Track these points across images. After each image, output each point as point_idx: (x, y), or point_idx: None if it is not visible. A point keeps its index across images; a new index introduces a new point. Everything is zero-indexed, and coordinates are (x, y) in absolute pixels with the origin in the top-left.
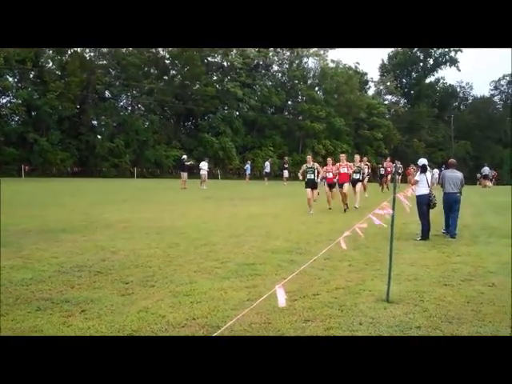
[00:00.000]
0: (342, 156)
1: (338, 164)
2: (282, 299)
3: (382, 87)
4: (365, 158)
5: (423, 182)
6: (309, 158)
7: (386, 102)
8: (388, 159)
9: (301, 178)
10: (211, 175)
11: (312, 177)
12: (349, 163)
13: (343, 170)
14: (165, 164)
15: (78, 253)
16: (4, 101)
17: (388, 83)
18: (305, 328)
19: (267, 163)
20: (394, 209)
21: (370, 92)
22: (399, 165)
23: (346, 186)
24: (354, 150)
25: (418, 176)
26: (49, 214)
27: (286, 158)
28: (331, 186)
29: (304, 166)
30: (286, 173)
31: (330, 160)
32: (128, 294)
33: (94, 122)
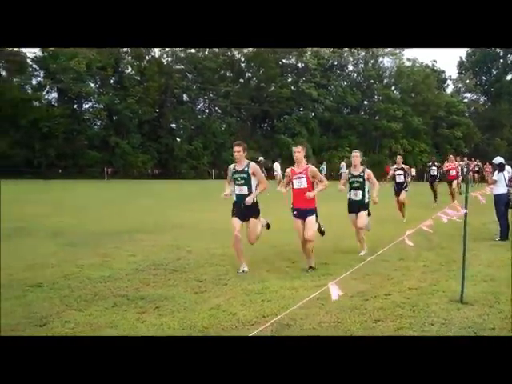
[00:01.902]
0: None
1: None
2: (334, 294)
3: (460, 85)
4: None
5: (501, 181)
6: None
7: (466, 100)
8: (451, 157)
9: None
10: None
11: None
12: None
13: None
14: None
15: (154, 252)
16: (87, 106)
17: (467, 81)
18: (375, 328)
19: (343, 164)
20: (466, 208)
21: (449, 90)
22: (475, 163)
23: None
24: (432, 150)
25: (496, 175)
26: (127, 214)
27: (363, 158)
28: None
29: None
30: None
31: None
32: (201, 292)
33: (173, 125)
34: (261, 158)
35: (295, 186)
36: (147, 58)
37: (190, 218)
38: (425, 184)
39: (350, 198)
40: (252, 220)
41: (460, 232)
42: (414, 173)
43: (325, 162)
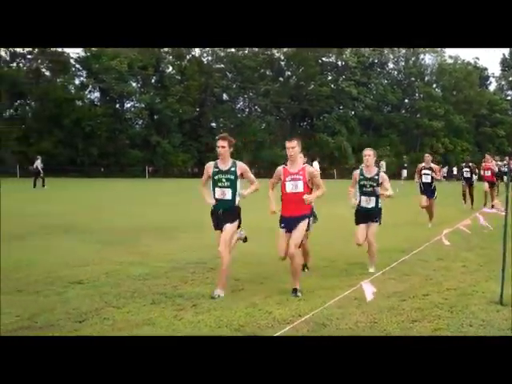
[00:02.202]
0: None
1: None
2: (369, 294)
3: (503, 82)
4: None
5: None
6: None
7: (509, 98)
8: (487, 157)
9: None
10: (327, 175)
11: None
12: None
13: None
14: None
15: (192, 250)
16: (128, 105)
17: (510, 78)
18: (412, 328)
19: (383, 163)
20: (507, 207)
21: (492, 88)
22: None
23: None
24: (474, 149)
25: None
26: (167, 212)
27: (405, 156)
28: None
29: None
30: (404, 172)
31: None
32: (238, 290)
33: (213, 124)
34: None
35: (287, 190)
36: (187, 57)
37: None
38: (458, 184)
39: (359, 205)
40: (227, 225)
41: (500, 232)
42: (445, 173)
43: None
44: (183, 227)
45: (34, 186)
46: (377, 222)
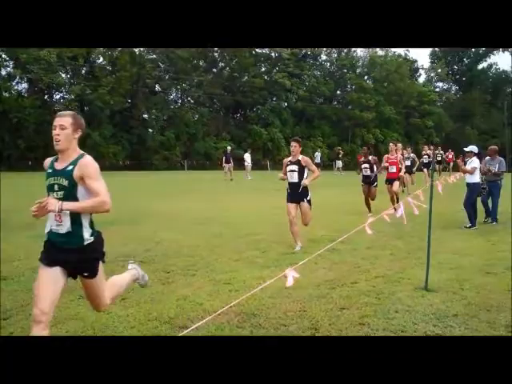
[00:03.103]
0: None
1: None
2: (290, 280)
3: (432, 74)
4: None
5: (477, 170)
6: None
7: (438, 90)
8: (391, 145)
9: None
10: (259, 166)
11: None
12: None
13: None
14: (214, 156)
15: (123, 243)
16: (58, 97)
17: (439, 70)
18: (340, 316)
19: (317, 153)
20: (431, 197)
21: (421, 79)
22: (440, 151)
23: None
24: (404, 139)
25: (475, 164)
26: None
27: (339, 147)
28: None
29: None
30: (339, 163)
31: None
32: (168, 283)
33: (145, 116)
34: (229, 148)
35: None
36: (119, 48)
37: (161, 208)
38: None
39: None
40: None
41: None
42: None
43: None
44: (115, 221)
45: None
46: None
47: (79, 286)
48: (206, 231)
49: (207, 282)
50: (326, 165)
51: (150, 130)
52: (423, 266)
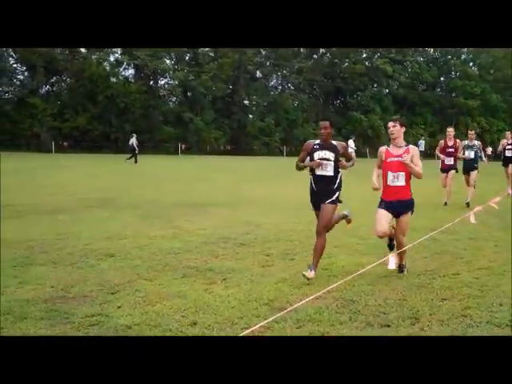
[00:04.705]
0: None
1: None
2: (391, 263)
3: None
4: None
5: None
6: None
7: None
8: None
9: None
10: (358, 154)
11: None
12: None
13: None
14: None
15: (224, 226)
16: (162, 82)
17: None
18: (441, 306)
19: (421, 141)
20: None
21: None
22: None
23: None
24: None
25: None
26: (200, 188)
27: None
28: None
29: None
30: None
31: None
32: (268, 266)
33: (246, 102)
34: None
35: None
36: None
37: (261, 193)
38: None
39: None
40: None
41: None
42: (489, 152)
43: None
44: (216, 203)
45: (136, 161)
46: None
47: (182, 265)
48: (305, 216)
49: (306, 266)
50: (428, 154)
51: (250, 115)
52: None
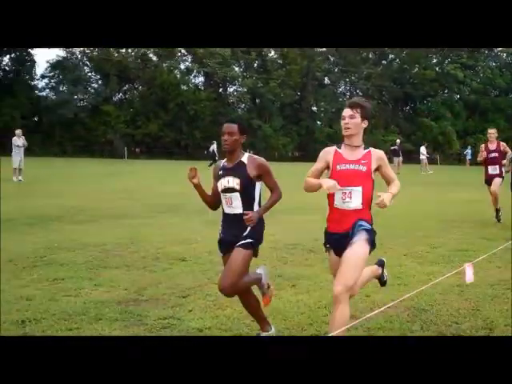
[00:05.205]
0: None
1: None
2: (469, 276)
3: None
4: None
5: None
6: (491, 133)
7: None
8: None
9: None
10: (430, 160)
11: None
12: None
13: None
14: (382, 148)
15: (292, 232)
16: (231, 89)
17: None
18: None
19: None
20: None
21: None
22: None
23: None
24: None
25: None
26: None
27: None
28: None
29: None
30: None
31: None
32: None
33: (314, 108)
34: (398, 141)
35: None
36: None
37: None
38: None
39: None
40: None
41: None
42: None
43: (469, 146)
44: (285, 209)
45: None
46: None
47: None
48: (375, 223)
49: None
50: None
51: (318, 122)
52: None
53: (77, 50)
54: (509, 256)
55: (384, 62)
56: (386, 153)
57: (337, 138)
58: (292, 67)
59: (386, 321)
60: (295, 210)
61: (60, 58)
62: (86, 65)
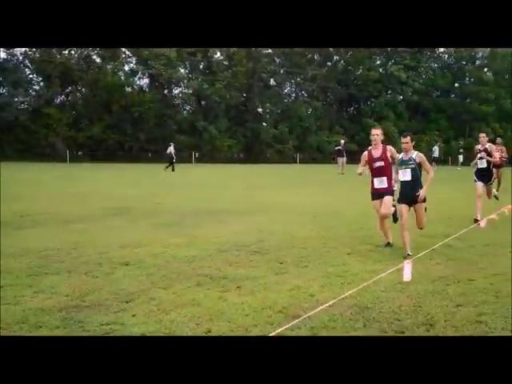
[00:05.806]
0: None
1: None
2: (407, 274)
3: None
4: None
5: None
6: (482, 137)
7: None
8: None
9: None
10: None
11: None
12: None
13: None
14: (327, 149)
15: (238, 233)
16: (176, 91)
17: None
18: (455, 313)
19: (435, 147)
20: None
21: None
22: None
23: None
24: None
25: None
26: (213, 196)
27: (461, 143)
28: None
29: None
30: (460, 158)
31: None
32: (281, 273)
33: (260, 110)
34: (342, 142)
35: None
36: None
37: (275, 201)
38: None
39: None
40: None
41: None
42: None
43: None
44: (230, 211)
45: (173, 170)
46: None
47: (196, 273)
48: (319, 224)
49: (319, 273)
50: (442, 159)
51: (263, 123)
52: None
53: (18, 52)
54: (449, 252)
55: (329, 63)
56: (330, 153)
57: (282, 139)
58: (238, 69)
59: (329, 319)
60: (241, 211)
61: (0, 60)
62: (28, 66)
